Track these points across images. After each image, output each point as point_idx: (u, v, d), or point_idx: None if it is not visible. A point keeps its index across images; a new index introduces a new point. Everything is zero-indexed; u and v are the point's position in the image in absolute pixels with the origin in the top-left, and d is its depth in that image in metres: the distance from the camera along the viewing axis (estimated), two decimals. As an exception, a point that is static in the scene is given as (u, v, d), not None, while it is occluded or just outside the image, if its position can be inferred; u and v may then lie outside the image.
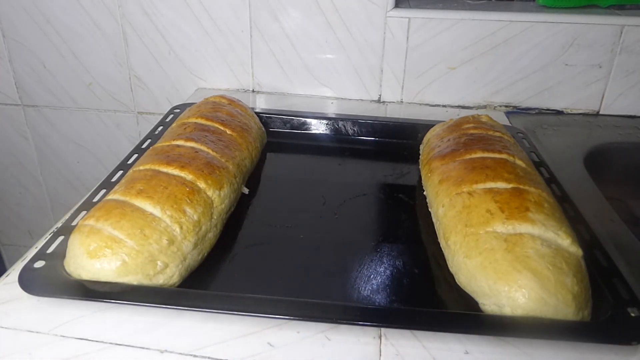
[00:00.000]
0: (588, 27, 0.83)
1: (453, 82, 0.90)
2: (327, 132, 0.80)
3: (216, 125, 0.65)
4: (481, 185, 0.51)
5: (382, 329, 0.44)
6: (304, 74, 0.93)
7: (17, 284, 0.45)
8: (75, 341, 0.43)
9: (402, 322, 0.43)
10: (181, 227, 0.48)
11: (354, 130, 0.79)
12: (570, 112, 0.90)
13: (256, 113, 0.78)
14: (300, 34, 0.89)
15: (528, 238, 0.45)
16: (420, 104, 0.92)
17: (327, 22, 0.88)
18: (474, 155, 0.57)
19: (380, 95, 0.93)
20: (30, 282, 0.45)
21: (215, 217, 0.53)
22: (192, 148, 0.58)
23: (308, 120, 0.80)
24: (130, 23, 0.93)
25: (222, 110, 0.70)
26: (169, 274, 0.47)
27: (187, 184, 0.52)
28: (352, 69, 0.91)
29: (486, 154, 0.57)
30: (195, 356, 0.42)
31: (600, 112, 0.89)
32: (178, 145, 0.59)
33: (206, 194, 0.53)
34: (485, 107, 0.91)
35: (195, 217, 0.50)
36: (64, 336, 0.43)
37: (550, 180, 0.62)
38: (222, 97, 0.75)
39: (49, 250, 0.50)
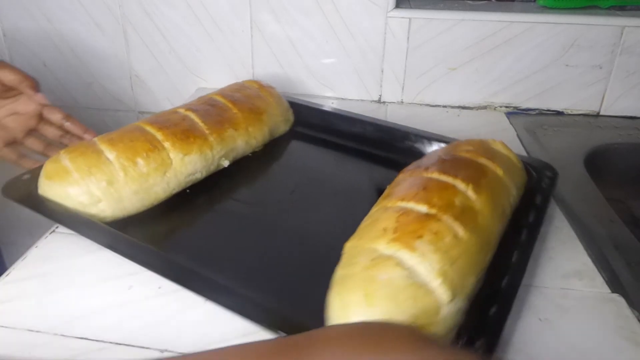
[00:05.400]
0: (589, 28, 0.83)
1: (453, 82, 0.90)
2: (362, 133, 0.76)
3: (225, 102, 0.68)
4: (403, 204, 0.47)
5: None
6: (305, 74, 0.93)
7: (17, 282, 0.45)
8: (75, 340, 0.43)
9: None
10: (125, 174, 0.55)
11: (390, 136, 0.74)
12: (570, 112, 0.90)
13: (297, 103, 0.79)
14: (300, 34, 0.90)
15: (394, 264, 0.41)
16: (420, 105, 0.92)
17: (327, 22, 0.88)
18: (428, 175, 0.52)
19: (380, 96, 0.93)
20: (9, 186, 0.56)
21: (169, 176, 0.58)
22: (185, 116, 0.63)
23: (348, 119, 0.77)
24: (131, 22, 0.93)
25: (244, 91, 0.72)
26: (100, 208, 0.54)
27: (153, 142, 0.58)
28: (353, 69, 0.91)
29: (440, 176, 0.51)
30: (195, 356, 0.42)
31: (601, 113, 0.89)
32: (176, 112, 0.64)
33: (167, 154, 0.58)
34: (485, 107, 0.91)
35: (145, 170, 0.56)
36: (64, 335, 0.43)
37: (529, 227, 0.55)
38: (255, 81, 0.76)
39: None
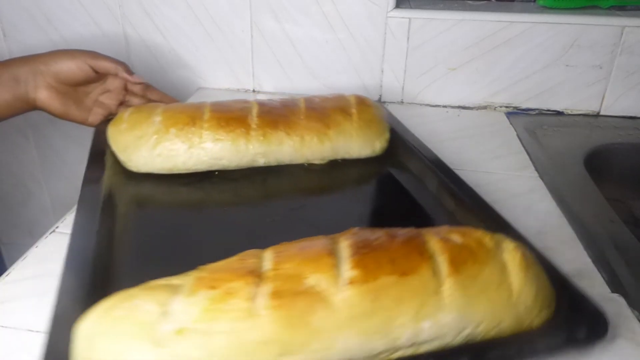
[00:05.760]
0: (589, 28, 0.83)
1: (453, 82, 0.90)
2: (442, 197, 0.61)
3: (302, 105, 0.68)
4: (267, 253, 0.41)
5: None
6: (305, 73, 0.93)
7: (17, 282, 0.45)
8: (75, 340, 0.43)
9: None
10: (157, 136, 0.63)
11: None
12: (570, 112, 0.90)
13: (404, 140, 0.70)
14: (300, 33, 0.89)
15: (160, 299, 0.37)
16: (420, 105, 0.92)
17: (327, 22, 0.88)
18: (340, 242, 0.41)
19: (380, 96, 0.93)
20: (103, 123, 0.71)
21: (192, 151, 0.63)
22: (246, 107, 0.66)
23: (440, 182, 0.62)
24: (131, 22, 0.93)
25: (331, 102, 0.69)
26: (128, 157, 0.64)
27: (196, 119, 0.63)
28: (353, 69, 0.91)
29: (345, 248, 0.40)
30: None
31: (601, 113, 0.89)
32: (245, 101, 0.68)
33: (201, 133, 0.63)
34: (485, 107, 0.91)
35: (172, 139, 0.63)
36: (63, 335, 0.43)
37: None
38: (358, 96, 0.72)
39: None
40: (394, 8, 0.86)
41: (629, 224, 0.60)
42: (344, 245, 0.40)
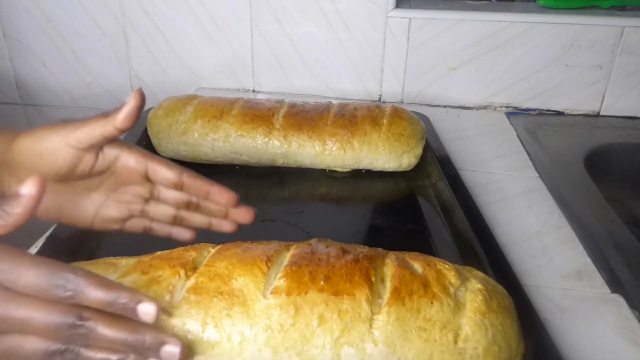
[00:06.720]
0: (589, 28, 0.83)
1: (453, 82, 0.90)
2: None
3: (331, 111, 0.67)
4: (210, 247, 0.42)
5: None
6: (305, 73, 0.93)
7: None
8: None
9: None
10: (185, 126, 0.66)
11: None
12: (570, 113, 0.90)
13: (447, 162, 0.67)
14: (300, 33, 0.89)
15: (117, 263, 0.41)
16: (420, 104, 0.92)
17: (327, 22, 0.88)
18: (288, 247, 0.41)
19: (380, 96, 0.93)
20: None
21: (215, 142, 0.65)
22: (275, 106, 0.67)
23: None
24: (130, 22, 0.93)
25: (365, 110, 0.67)
26: (157, 142, 0.68)
27: (224, 113, 0.65)
28: (353, 69, 0.91)
29: (286, 258, 0.40)
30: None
31: (601, 113, 0.89)
32: (278, 101, 0.69)
33: (226, 126, 0.65)
34: (485, 107, 0.91)
35: (198, 129, 0.65)
36: (63, 335, 0.43)
37: None
38: (395, 107, 0.69)
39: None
40: (394, 8, 0.86)
41: (629, 224, 0.60)
42: (289, 254, 0.39)
